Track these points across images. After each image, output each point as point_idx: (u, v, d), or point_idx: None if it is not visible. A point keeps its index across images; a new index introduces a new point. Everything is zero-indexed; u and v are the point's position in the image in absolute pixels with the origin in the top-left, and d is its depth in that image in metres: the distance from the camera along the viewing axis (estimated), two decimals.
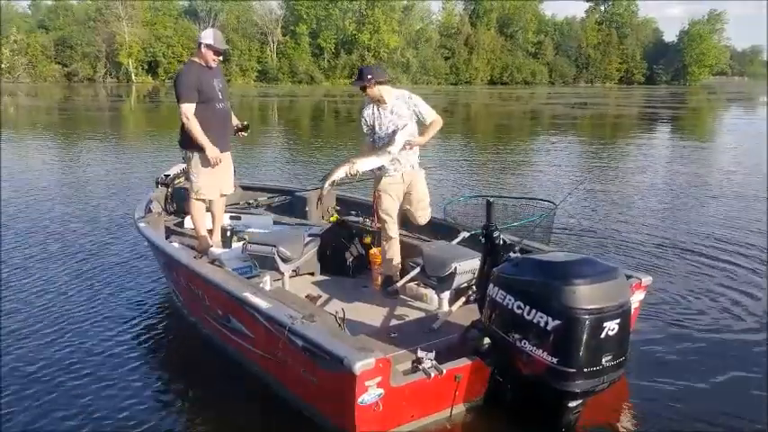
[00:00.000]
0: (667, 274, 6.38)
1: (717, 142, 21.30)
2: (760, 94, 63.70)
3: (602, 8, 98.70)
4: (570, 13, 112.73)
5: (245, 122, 5.58)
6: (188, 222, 5.88)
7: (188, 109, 4.98)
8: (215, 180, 5.28)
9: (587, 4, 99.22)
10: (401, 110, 4.67)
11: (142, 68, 73.90)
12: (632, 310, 3.33)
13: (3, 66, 67.65)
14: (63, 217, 8.85)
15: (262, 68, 77.24)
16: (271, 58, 78.00)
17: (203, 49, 5.06)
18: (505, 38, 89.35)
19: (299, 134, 23.70)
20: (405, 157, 4.71)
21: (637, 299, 3.97)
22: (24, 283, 6.07)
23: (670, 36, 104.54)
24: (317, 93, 57.87)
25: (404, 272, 4.89)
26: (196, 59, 5.15)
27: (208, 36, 5.10)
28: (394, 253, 4.89)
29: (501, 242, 3.66)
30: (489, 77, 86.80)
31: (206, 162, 5.11)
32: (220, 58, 5.17)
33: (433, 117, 4.69)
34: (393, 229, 4.84)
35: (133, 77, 72.07)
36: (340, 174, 4.48)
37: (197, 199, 5.31)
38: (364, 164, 4.53)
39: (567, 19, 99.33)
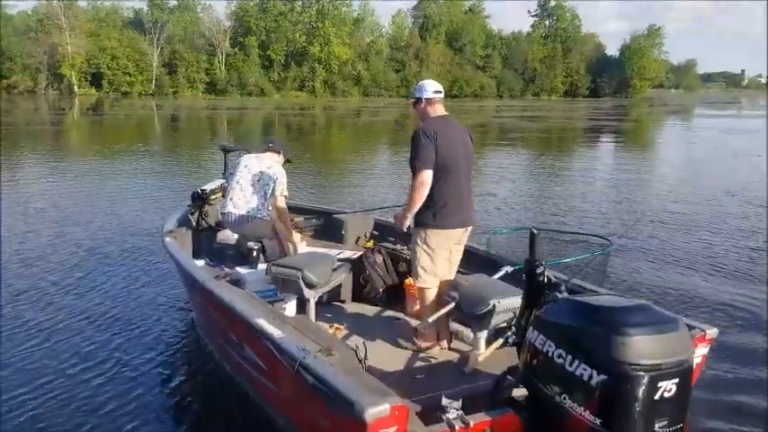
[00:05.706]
0: (736, 325, 5.67)
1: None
2: (694, 105, 66.07)
3: (547, 23, 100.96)
4: (517, 28, 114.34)
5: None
6: (220, 237, 5.64)
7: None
8: None
9: (533, 19, 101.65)
10: None
11: (85, 80, 71.75)
12: (694, 367, 2.92)
13: None
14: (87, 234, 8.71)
15: (210, 81, 76.01)
16: (219, 70, 76.79)
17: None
18: (454, 51, 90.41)
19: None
20: None
21: (700, 353, 3.56)
22: (43, 297, 6.13)
23: (612, 50, 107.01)
24: (267, 105, 57.02)
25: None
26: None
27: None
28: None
29: (545, 279, 3.30)
30: None
31: None
32: None
33: None
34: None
35: (76, 89, 69.79)
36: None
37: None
38: None
39: (513, 33, 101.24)
